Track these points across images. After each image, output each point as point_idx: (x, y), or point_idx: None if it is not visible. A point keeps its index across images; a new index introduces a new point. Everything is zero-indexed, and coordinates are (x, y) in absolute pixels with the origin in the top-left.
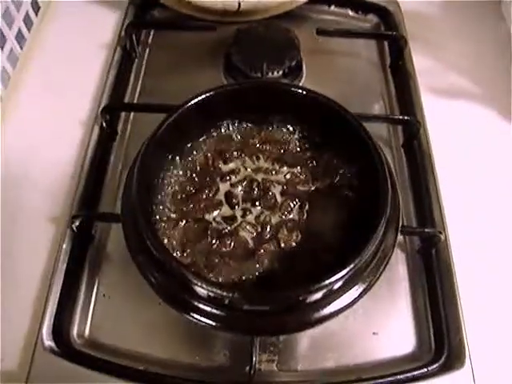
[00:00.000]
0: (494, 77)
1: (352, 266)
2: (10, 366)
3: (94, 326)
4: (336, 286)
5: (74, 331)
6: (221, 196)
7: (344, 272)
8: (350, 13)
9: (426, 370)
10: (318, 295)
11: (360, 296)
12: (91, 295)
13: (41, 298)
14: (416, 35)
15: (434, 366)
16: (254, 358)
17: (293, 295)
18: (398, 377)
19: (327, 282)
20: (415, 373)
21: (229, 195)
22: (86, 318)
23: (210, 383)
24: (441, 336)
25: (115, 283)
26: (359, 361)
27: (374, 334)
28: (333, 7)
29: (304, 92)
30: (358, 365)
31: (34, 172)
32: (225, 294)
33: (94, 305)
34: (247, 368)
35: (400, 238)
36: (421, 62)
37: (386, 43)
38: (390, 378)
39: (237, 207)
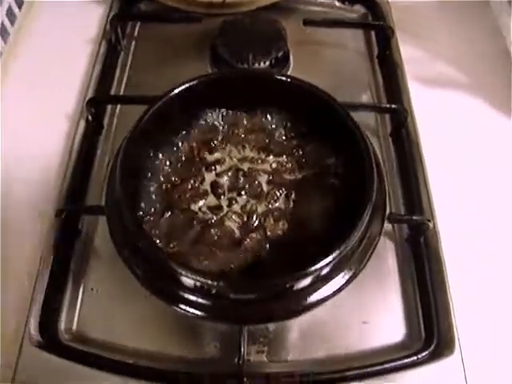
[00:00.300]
0: (480, 66)
1: (338, 252)
2: None
3: (82, 320)
4: (322, 273)
5: (62, 325)
6: (206, 186)
7: (330, 259)
8: (337, 3)
9: (415, 357)
10: (305, 282)
11: (347, 283)
12: (78, 289)
13: (28, 292)
14: (403, 25)
15: (424, 353)
16: (242, 348)
17: (279, 282)
18: (388, 365)
19: (313, 268)
20: (405, 361)
21: (214, 185)
22: (74, 312)
23: (198, 375)
24: (430, 324)
25: (102, 277)
26: (349, 350)
27: (363, 323)
28: None
29: (289, 80)
30: (348, 354)
31: (20, 165)
32: (210, 282)
33: (82, 299)
34: (236, 359)
35: (389, 227)
36: (408, 52)
37: (373, 34)
38: (380, 367)
39: (223, 197)
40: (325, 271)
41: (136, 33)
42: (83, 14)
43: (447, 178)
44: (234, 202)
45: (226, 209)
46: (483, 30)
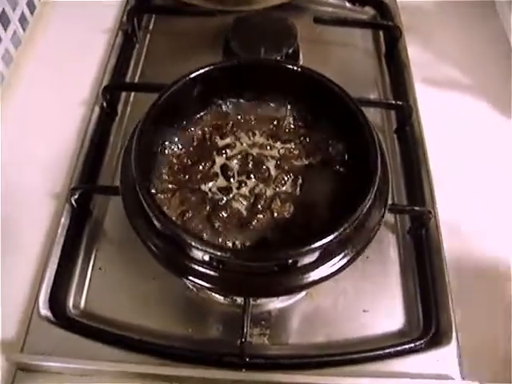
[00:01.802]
0: (484, 68)
1: (339, 232)
2: (6, 334)
3: (90, 297)
4: (324, 251)
5: (70, 302)
6: (217, 168)
7: (331, 237)
8: (348, 4)
9: (413, 345)
10: (307, 258)
11: (348, 263)
12: (87, 268)
13: (39, 269)
14: (411, 26)
15: (422, 341)
16: (245, 326)
17: (283, 255)
18: (386, 351)
19: (315, 245)
20: (403, 347)
21: (224, 168)
22: (82, 289)
23: (201, 353)
24: (429, 313)
25: (111, 257)
26: (349, 336)
27: (364, 311)
28: None
29: (299, 69)
30: (347, 340)
31: (35, 149)
32: (219, 253)
33: (90, 277)
34: (239, 341)
35: (391, 219)
36: (415, 52)
37: (381, 34)
38: (378, 352)
39: (232, 179)
40: (327, 249)
41: (151, 25)
42: (101, 6)
43: (449, 174)
44: (243, 184)
45: (235, 191)
46: (489, 32)
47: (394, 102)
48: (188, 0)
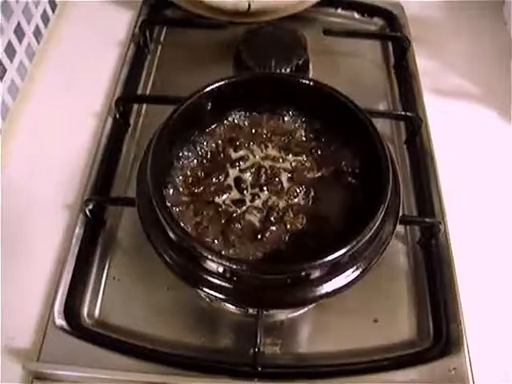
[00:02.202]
0: (493, 77)
1: (351, 246)
2: (23, 343)
3: (104, 307)
4: (336, 264)
5: (85, 311)
6: (230, 181)
7: (343, 251)
8: (356, 15)
9: (423, 355)
10: (320, 271)
11: (359, 277)
12: (102, 278)
13: (54, 279)
14: (419, 37)
15: (432, 351)
16: (258, 337)
17: (297, 268)
18: (397, 360)
19: (327, 259)
20: (414, 357)
21: (238, 180)
22: (96, 299)
23: (214, 362)
24: (439, 323)
25: (125, 267)
26: (359, 346)
27: (374, 321)
28: (340, 10)
29: (311, 83)
30: (358, 350)
31: (49, 160)
32: (234, 266)
33: (104, 287)
34: (251, 350)
35: (401, 230)
36: (423, 63)
37: (390, 45)
38: (388, 362)
39: (245, 192)
40: (338, 262)
41: (163, 38)
42: (112, 19)
43: (459, 185)
44: (256, 197)
45: (248, 203)
46: (496, 42)
47: (403, 113)
48: (199, 12)
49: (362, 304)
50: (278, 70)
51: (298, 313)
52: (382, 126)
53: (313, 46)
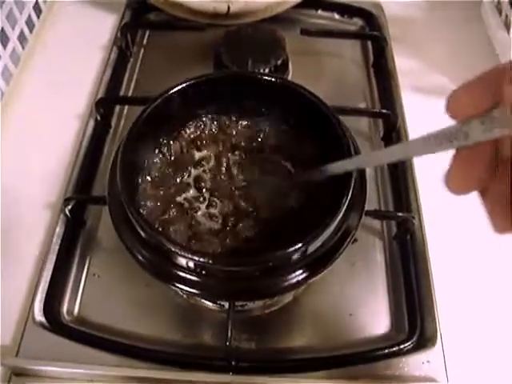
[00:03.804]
0: (471, 74)
1: (315, 236)
2: (2, 340)
3: (84, 303)
4: (303, 254)
5: (64, 308)
6: (191, 180)
7: (307, 241)
8: (336, 16)
9: (398, 348)
10: (286, 262)
11: (326, 266)
12: (81, 275)
13: (34, 277)
14: (398, 37)
15: (407, 344)
16: (229, 331)
17: (262, 259)
18: (372, 354)
19: (293, 248)
20: (388, 350)
21: (198, 180)
22: (76, 296)
23: (191, 357)
24: (414, 317)
25: (105, 265)
26: (335, 340)
27: (350, 315)
28: (320, 11)
29: (272, 79)
30: (334, 344)
31: (33, 161)
32: (198, 258)
33: (84, 284)
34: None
35: (378, 225)
36: (402, 62)
37: (369, 44)
38: (363, 355)
39: (204, 190)
40: (305, 253)
41: (145, 40)
42: (98, 23)
43: (435, 181)
44: (216, 193)
45: (208, 199)
46: (474, 41)
47: (379, 110)
48: (180, 15)
49: (337, 298)
50: (257, 70)
51: (274, 308)
52: (359, 123)
53: (292, 46)
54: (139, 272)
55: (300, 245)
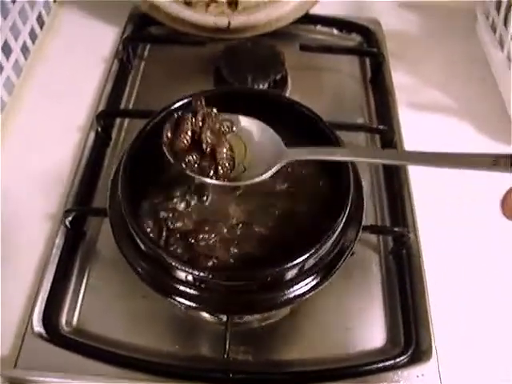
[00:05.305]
0: (468, 92)
1: (313, 251)
2: (1, 350)
3: (82, 314)
4: (301, 269)
5: (63, 319)
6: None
7: (306, 257)
8: (335, 32)
9: (393, 361)
10: (285, 277)
11: (323, 281)
12: (80, 286)
13: (34, 288)
14: (396, 52)
15: (402, 358)
16: (227, 343)
17: (260, 274)
18: (368, 367)
19: (291, 264)
20: (383, 364)
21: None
22: (75, 307)
23: (188, 369)
24: (409, 331)
25: (103, 276)
26: (331, 353)
27: (346, 329)
28: (319, 26)
29: (267, 94)
30: (330, 357)
31: (34, 172)
32: (197, 273)
33: (83, 295)
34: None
35: (374, 240)
36: (400, 78)
37: (367, 60)
38: (359, 369)
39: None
40: (303, 268)
41: (146, 54)
42: (100, 35)
43: (431, 195)
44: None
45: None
46: (469, 58)
47: (376, 126)
48: (181, 29)
49: (334, 312)
50: (256, 85)
51: (271, 321)
52: (357, 138)
53: (291, 61)
54: (138, 283)
55: (298, 261)
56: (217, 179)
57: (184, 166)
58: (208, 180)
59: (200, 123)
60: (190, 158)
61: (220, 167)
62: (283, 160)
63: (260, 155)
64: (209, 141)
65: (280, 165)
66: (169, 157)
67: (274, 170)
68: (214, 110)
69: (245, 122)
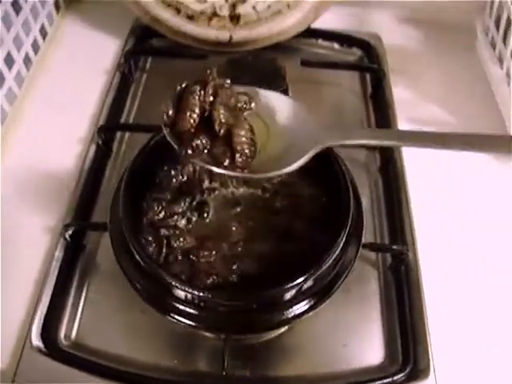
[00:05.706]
0: (468, 107)
1: (314, 271)
2: (0, 364)
3: (81, 329)
4: (300, 289)
5: (62, 333)
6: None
7: (306, 276)
8: (336, 46)
9: (391, 379)
10: (284, 297)
11: (323, 300)
12: (79, 301)
13: (32, 301)
14: (396, 67)
15: (400, 375)
16: (225, 360)
17: (260, 294)
18: None
19: (291, 284)
20: (381, 382)
21: (200, 207)
22: (74, 321)
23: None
24: (407, 348)
25: (103, 290)
26: (328, 370)
27: (344, 345)
28: (320, 40)
29: None
30: (327, 374)
31: (34, 184)
32: (197, 293)
33: (82, 309)
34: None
35: (372, 256)
36: (400, 93)
37: (367, 75)
38: None
39: (206, 214)
40: (302, 288)
41: (148, 66)
42: (102, 48)
43: (430, 212)
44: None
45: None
46: (470, 73)
47: None
48: (183, 42)
49: (331, 328)
50: None
51: (269, 337)
52: (357, 153)
53: (292, 75)
54: (137, 298)
55: (297, 281)
56: (233, 170)
57: (190, 152)
58: (222, 171)
59: (211, 97)
60: (199, 142)
61: (238, 154)
62: (318, 145)
63: (287, 139)
64: (223, 120)
65: (315, 151)
66: (170, 141)
67: (306, 157)
68: (228, 81)
69: (266, 96)
